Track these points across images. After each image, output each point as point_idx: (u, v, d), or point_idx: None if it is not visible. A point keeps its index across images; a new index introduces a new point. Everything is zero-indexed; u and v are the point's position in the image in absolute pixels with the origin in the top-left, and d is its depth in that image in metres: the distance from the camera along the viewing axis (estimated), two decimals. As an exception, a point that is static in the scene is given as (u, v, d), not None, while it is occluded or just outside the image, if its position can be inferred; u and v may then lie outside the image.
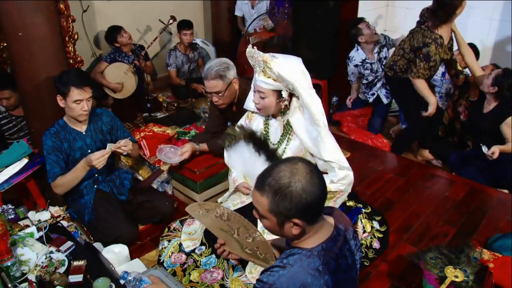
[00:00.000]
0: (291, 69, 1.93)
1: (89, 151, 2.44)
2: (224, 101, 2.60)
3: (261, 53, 1.94)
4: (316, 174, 1.24)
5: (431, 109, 3.35)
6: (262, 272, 1.28)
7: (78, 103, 2.30)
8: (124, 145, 2.37)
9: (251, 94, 2.20)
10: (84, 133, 2.45)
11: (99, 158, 2.28)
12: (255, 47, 1.98)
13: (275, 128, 2.20)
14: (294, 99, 2.06)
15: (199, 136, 2.98)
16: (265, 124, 2.23)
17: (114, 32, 4.15)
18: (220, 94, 2.55)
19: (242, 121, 2.34)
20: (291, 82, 1.92)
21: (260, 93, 2.04)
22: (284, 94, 2.02)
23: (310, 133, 2.05)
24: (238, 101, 2.69)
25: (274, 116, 2.18)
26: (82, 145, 2.44)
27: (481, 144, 3.10)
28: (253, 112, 2.29)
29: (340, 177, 2.02)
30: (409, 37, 3.34)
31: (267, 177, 1.23)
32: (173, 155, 2.70)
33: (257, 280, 1.27)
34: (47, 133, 2.38)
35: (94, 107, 2.48)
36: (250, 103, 2.23)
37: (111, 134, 2.57)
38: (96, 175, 2.49)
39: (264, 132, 2.23)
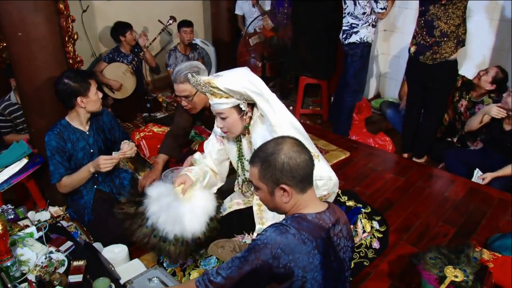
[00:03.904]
0: (237, 80, 1.89)
1: (92, 150, 2.45)
2: (193, 106, 2.56)
3: (202, 77, 1.89)
4: (301, 145, 1.39)
5: None
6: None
7: (96, 92, 2.37)
8: (129, 149, 2.38)
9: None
10: (87, 133, 2.45)
11: (106, 160, 2.30)
12: (194, 74, 1.91)
13: (247, 146, 2.13)
14: (254, 109, 2.00)
15: (165, 142, 2.82)
16: (238, 146, 2.17)
17: (123, 27, 4.16)
18: (189, 99, 2.51)
19: (212, 144, 2.26)
20: (243, 92, 1.87)
21: (220, 115, 1.97)
22: (243, 107, 1.95)
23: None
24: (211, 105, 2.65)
25: (244, 134, 2.10)
26: (85, 145, 2.44)
27: (476, 169, 3.12)
28: (223, 136, 2.21)
29: (318, 186, 1.95)
30: (437, 17, 3.20)
31: (257, 151, 1.40)
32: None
33: (258, 234, 1.40)
34: (51, 133, 2.37)
35: None
36: (217, 128, 2.14)
37: (110, 134, 2.58)
38: (96, 175, 2.49)
39: (238, 155, 2.18)
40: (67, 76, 2.32)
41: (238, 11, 5.13)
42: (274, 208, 1.45)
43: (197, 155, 2.33)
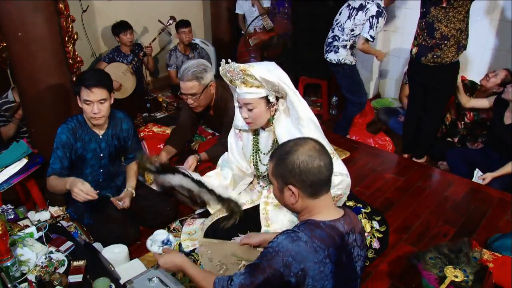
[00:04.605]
0: (271, 70, 1.90)
1: (101, 155, 2.39)
2: (199, 104, 2.56)
3: (236, 64, 1.89)
4: (320, 150, 1.34)
5: None
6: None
7: (87, 103, 2.20)
8: (120, 205, 2.36)
9: (238, 114, 2.13)
10: (100, 137, 2.37)
11: (80, 193, 2.02)
12: (229, 60, 1.92)
13: (265, 139, 2.15)
14: (280, 102, 2.01)
15: (171, 137, 2.88)
16: (254, 140, 2.18)
17: (119, 28, 4.18)
18: (195, 97, 2.51)
19: (232, 139, 2.30)
20: (276, 83, 1.87)
21: (248, 106, 1.95)
22: (272, 98, 1.95)
23: (292, 136, 1.95)
24: (215, 105, 2.65)
25: (263, 127, 2.11)
26: (96, 147, 2.37)
27: (476, 169, 3.13)
28: (240, 130, 2.23)
29: (335, 184, 1.96)
30: (438, 19, 3.19)
31: (278, 147, 1.42)
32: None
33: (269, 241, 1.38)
34: (65, 126, 2.29)
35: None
36: (238, 121, 2.15)
37: (124, 142, 2.49)
38: (100, 179, 2.44)
39: (254, 147, 2.19)
40: (86, 70, 2.28)
41: (238, 10, 5.14)
42: (284, 205, 1.45)
43: (220, 160, 2.39)
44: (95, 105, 2.21)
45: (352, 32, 3.60)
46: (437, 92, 3.45)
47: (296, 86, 4.61)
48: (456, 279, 1.93)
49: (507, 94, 3.12)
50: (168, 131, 3.43)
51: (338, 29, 3.70)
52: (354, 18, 3.56)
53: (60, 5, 2.45)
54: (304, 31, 4.26)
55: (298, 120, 1.94)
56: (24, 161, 2.56)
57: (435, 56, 3.29)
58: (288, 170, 1.32)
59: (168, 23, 4.54)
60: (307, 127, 1.94)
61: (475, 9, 3.87)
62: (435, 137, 3.75)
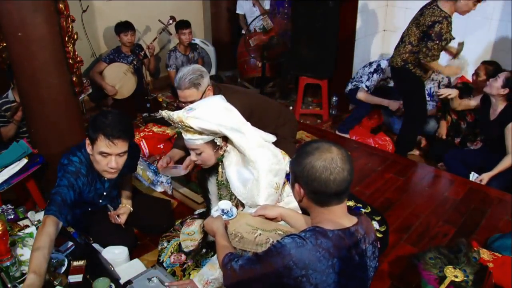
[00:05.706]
0: (211, 116, 1.85)
1: (104, 193, 2.28)
2: None
3: (174, 114, 1.85)
4: (338, 163, 1.29)
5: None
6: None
7: (104, 156, 1.92)
8: (118, 219, 2.30)
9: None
10: (105, 179, 2.17)
11: None
12: (166, 111, 1.87)
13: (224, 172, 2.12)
14: (229, 141, 1.97)
15: (178, 140, 2.79)
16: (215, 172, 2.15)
17: (123, 27, 4.20)
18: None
19: None
20: (216, 130, 1.84)
21: (195, 150, 1.95)
22: (218, 142, 1.93)
23: (241, 174, 1.95)
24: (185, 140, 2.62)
25: (217, 164, 2.07)
26: (100, 187, 2.23)
27: (472, 172, 3.14)
28: None
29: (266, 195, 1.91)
30: (415, 21, 3.30)
31: (306, 143, 1.41)
32: (176, 170, 2.58)
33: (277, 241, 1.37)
34: (80, 171, 2.01)
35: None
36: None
37: (127, 173, 2.41)
38: (100, 200, 2.32)
39: (217, 180, 2.16)
40: (105, 112, 1.98)
41: (239, 10, 5.14)
42: (296, 198, 1.47)
43: None
44: (113, 158, 1.93)
45: (361, 78, 4.28)
46: (402, 94, 3.69)
47: (296, 86, 4.65)
48: (456, 279, 1.93)
49: (488, 87, 3.13)
50: (168, 131, 3.44)
51: (357, 73, 4.36)
52: (363, 69, 4.30)
53: (60, 5, 2.44)
54: (304, 31, 4.26)
55: (248, 162, 1.91)
56: (24, 161, 2.55)
57: (392, 56, 3.54)
58: (299, 169, 1.34)
59: (168, 23, 4.54)
60: (257, 169, 1.90)
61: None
62: (411, 138, 3.73)
